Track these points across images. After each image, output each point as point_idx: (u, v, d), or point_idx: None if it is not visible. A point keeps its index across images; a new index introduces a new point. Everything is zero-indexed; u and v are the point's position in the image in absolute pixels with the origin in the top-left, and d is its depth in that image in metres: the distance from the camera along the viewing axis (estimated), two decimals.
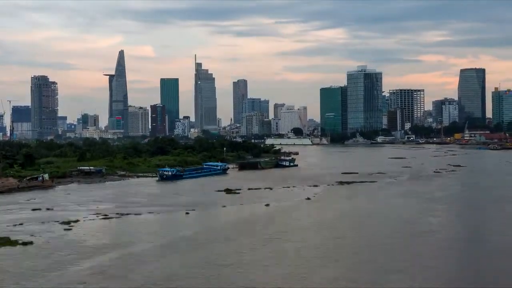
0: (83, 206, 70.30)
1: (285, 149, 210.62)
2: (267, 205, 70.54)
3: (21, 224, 57.12)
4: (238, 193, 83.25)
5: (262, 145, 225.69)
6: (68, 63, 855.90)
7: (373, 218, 62.67)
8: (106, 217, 61.69)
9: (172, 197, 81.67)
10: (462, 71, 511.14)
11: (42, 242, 47.66)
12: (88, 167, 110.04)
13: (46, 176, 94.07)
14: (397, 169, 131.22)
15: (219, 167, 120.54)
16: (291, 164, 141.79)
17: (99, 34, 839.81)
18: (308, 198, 77.00)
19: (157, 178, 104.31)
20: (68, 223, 57.14)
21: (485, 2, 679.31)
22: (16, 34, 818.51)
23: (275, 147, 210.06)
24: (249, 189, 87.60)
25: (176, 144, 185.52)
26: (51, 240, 48.93)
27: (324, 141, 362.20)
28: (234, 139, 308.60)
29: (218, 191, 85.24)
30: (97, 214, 63.57)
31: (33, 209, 67.36)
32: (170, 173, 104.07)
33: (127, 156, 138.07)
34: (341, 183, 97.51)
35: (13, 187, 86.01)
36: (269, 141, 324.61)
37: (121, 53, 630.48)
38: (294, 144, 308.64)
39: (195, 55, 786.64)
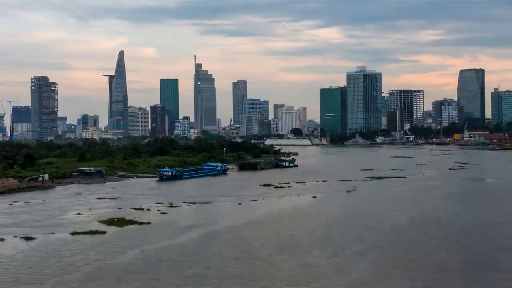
0: (143, 197, 77.00)
1: (284, 149, 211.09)
2: (314, 196, 76.41)
3: (110, 210, 65.42)
4: (285, 186, 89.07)
5: (261, 146, 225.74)
6: (68, 64, 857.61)
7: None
8: (172, 205, 68.57)
9: (220, 191, 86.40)
10: (461, 71, 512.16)
11: (155, 222, 56.57)
12: (88, 168, 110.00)
13: (46, 176, 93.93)
14: (413, 165, 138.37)
15: (218, 168, 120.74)
16: (291, 164, 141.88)
17: (99, 35, 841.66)
18: (349, 191, 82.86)
19: (157, 179, 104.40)
20: (146, 210, 64.70)
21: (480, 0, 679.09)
22: (16, 35, 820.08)
23: (275, 147, 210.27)
24: (280, 183, 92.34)
25: (176, 145, 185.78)
26: (158, 220, 58.08)
27: (324, 141, 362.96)
28: (234, 140, 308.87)
29: (261, 185, 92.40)
30: (158, 203, 70.09)
31: (99, 198, 75.92)
32: (169, 174, 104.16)
33: (127, 156, 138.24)
34: (372, 178, 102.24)
35: (13, 187, 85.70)
36: (268, 142, 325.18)
37: (121, 54, 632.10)
38: (293, 145, 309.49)
39: (195, 55, 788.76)
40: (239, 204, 70.41)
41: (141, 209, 65.10)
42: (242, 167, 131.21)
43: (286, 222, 56.94)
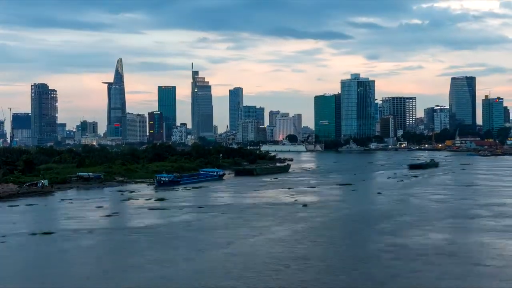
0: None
1: (280, 155, 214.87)
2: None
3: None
4: None
5: (257, 152, 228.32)
6: (67, 70, 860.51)
7: None
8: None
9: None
10: (453, 79, 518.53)
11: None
12: (87, 173, 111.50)
13: (45, 182, 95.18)
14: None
15: (215, 173, 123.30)
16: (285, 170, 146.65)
17: (98, 40, 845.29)
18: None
19: (154, 184, 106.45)
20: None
21: None
22: (15, 40, 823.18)
23: (270, 153, 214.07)
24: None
25: (173, 151, 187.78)
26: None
27: (318, 147, 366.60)
28: (230, 146, 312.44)
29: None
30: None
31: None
32: (167, 179, 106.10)
33: (125, 162, 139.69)
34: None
35: (13, 192, 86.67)
36: (264, 148, 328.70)
37: (120, 61, 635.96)
38: (288, 151, 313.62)
39: (192, 63, 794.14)
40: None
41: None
42: (238, 173, 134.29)
43: None
